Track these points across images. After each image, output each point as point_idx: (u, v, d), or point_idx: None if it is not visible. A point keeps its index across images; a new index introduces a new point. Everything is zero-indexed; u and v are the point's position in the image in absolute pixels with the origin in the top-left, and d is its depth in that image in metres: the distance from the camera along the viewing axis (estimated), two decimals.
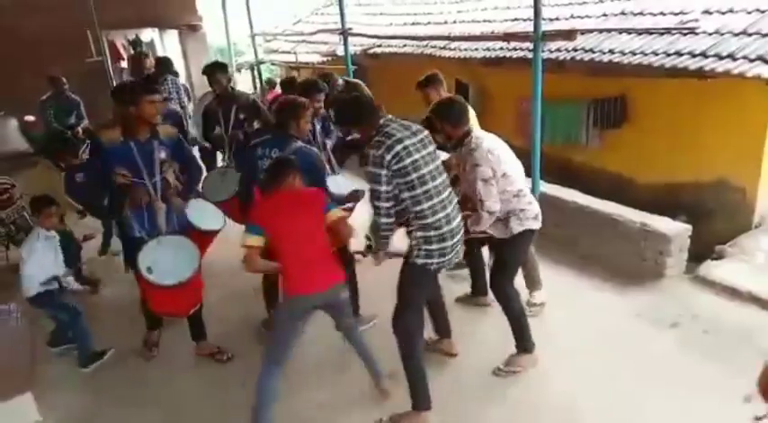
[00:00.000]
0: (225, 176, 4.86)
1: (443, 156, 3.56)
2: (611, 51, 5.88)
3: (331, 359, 3.85)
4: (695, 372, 3.44)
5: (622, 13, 6.62)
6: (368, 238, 3.31)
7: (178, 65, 9.62)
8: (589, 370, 3.58)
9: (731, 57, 4.91)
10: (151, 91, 3.57)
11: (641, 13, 6.39)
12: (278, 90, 8.62)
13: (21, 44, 9.30)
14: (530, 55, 5.25)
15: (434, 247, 2.98)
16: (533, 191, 4.94)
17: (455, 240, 3.06)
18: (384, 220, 2.98)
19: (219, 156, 5.96)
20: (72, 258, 4.51)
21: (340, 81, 5.67)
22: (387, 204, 2.94)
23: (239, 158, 4.78)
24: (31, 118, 8.78)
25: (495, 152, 3.38)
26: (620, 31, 6.17)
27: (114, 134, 3.56)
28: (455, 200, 3.16)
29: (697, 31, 5.49)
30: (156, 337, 4.17)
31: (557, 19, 7.22)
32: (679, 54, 5.28)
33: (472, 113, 3.91)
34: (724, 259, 4.74)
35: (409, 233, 3.13)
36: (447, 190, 3.08)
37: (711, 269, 4.55)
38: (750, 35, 5.06)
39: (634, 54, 5.64)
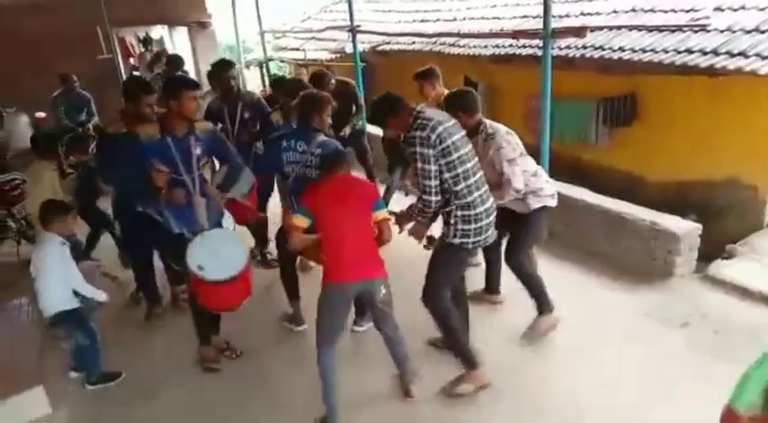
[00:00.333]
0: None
1: None
2: (622, 49, 5.85)
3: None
4: (705, 372, 3.42)
5: (633, 10, 6.58)
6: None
7: (187, 62, 9.65)
8: (596, 368, 3.57)
9: (743, 54, 4.87)
10: (193, 86, 3.54)
11: (652, 10, 6.36)
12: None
13: (32, 41, 9.37)
14: (539, 52, 5.23)
15: (471, 226, 3.13)
16: None
17: (489, 220, 3.22)
18: (433, 198, 3.08)
19: None
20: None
21: (333, 80, 5.69)
22: (435, 182, 3.05)
23: (254, 155, 4.82)
24: (42, 114, 8.86)
25: (512, 134, 3.62)
26: (631, 28, 6.14)
27: (152, 129, 3.52)
28: (485, 183, 3.29)
29: (708, 28, 5.45)
30: (212, 351, 3.95)
31: (566, 16, 7.20)
32: (690, 51, 5.24)
33: None
34: (734, 258, 4.71)
35: (446, 215, 3.19)
36: (479, 172, 3.22)
37: (722, 268, 4.52)
38: (762, 32, 5.02)
39: (644, 51, 5.61)
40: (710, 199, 5.78)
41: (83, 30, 9.20)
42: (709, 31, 5.40)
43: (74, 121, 7.95)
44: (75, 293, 3.67)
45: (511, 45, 7.11)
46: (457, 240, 3.16)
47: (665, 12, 6.17)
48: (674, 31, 5.69)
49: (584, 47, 6.19)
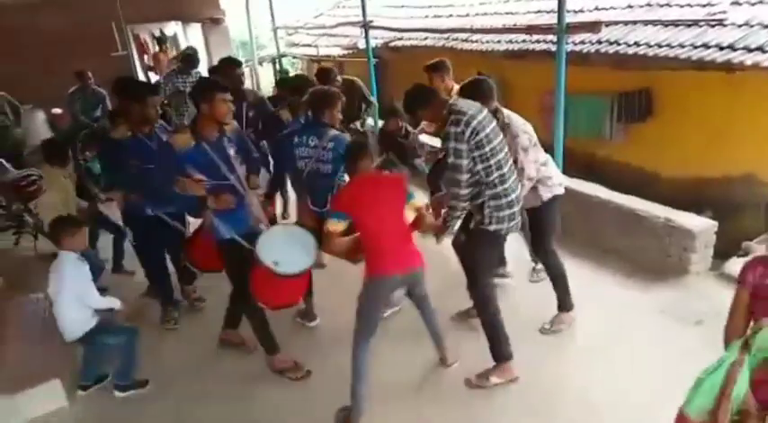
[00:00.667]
0: None
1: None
2: (637, 43, 5.80)
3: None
4: None
5: (648, 5, 6.52)
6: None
7: (201, 58, 9.69)
8: (609, 366, 3.55)
9: (761, 49, 4.81)
10: (225, 89, 3.44)
11: (668, 5, 6.29)
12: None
13: (48, 39, 9.45)
14: (553, 47, 5.20)
15: (505, 213, 3.23)
16: None
17: (519, 207, 3.35)
18: (464, 191, 3.16)
19: None
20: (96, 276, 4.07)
21: (339, 77, 5.69)
22: (466, 176, 3.13)
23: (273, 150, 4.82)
24: (58, 111, 8.95)
25: (526, 124, 3.72)
26: (646, 22, 6.08)
27: (185, 138, 3.37)
28: (514, 172, 3.38)
29: (725, 22, 5.38)
30: (287, 356, 3.81)
31: (581, 11, 7.14)
32: (706, 46, 5.18)
33: None
34: (751, 256, 4.65)
35: (479, 206, 3.25)
36: (509, 162, 3.29)
37: (738, 266, 4.45)
38: None
39: (660, 46, 5.55)
40: (727, 195, 5.71)
41: (98, 27, 9.26)
42: (726, 26, 5.33)
43: (89, 117, 8.04)
44: (95, 312, 3.57)
45: (524, 40, 7.08)
46: (492, 227, 3.25)
47: (681, 6, 6.10)
48: (690, 26, 5.62)
49: (599, 42, 6.14)
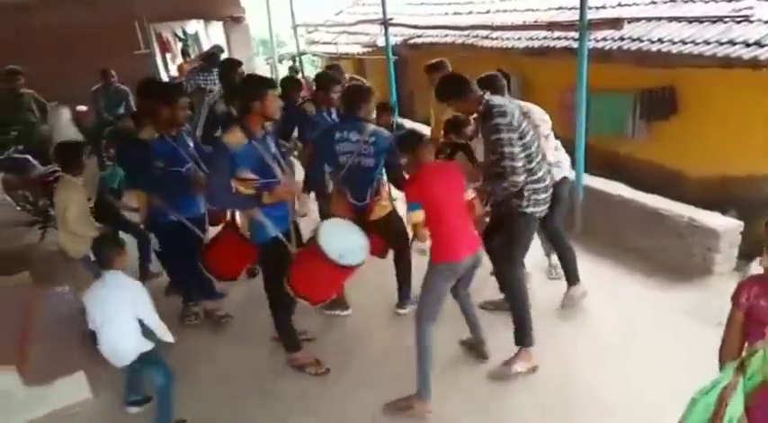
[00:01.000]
0: None
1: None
2: (660, 40, 5.71)
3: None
4: None
5: (672, 0, 6.42)
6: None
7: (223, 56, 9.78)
8: (627, 366, 3.53)
9: None
10: (275, 85, 3.44)
11: (692, 0, 6.18)
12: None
13: (73, 37, 9.62)
14: (575, 44, 5.16)
15: (541, 196, 3.47)
16: (576, 184, 4.88)
17: (550, 192, 3.58)
18: (521, 178, 3.31)
19: None
20: None
21: (347, 75, 5.73)
22: (521, 163, 3.29)
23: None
24: (83, 108, 9.11)
25: (544, 113, 3.95)
26: (670, 19, 5.99)
27: (238, 137, 3.27)
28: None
29: (752, 18, 5.28)
30: (308, 353, 3.85)
31: (603, 7, 7.06)
32: (732, 43, 5.08)
33: None
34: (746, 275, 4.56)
35: (519, 191, 3.39)
36: (541, 151, 3.56)
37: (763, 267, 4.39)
38: None
39: (684, 43, 5.46)
40: (752, 195, 5.61)
41: (121, 25, 9.40)
42: (752, 22, 5.22)
43: (113, 114, 8.17)
44: (144, 333, 3.25)
45: (545, 37, 7.01)
46: (530, 209, 3.44)
47: (706, 2, 6.00)
48: (715, 22, 5.52)
49: (622, 39, 6.06)
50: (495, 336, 3.73)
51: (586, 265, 4.69)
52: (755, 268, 4.14)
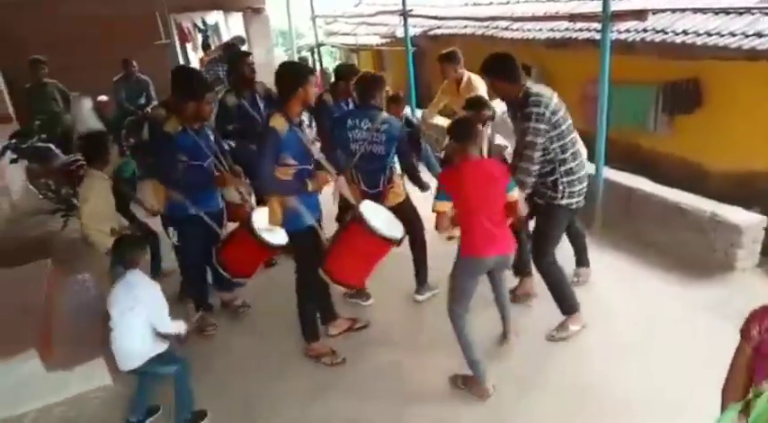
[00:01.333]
0: None
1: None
2: (685, 32, 5.59)
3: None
4: None
5: None
6: None
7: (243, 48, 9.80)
8: (648, 361, 3.49)
9: None
10: (313, 71, 3.52)
11: None
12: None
13: (95, 27, 9.71)
14: (597, 36, 5.08)
15: (576, 188, 3.52)
16: (597, 177, 4.82)
17: (586, 183, 3.62)
18: (534, 167, 3.39)
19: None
20: None
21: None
22: (539, 154, 3.37)
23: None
24: (104, 98, 9.21)
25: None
26: (695, 10, 5.86)
27: (281, 122, 3.28)
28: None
29: None
30: (326, 345, 3.89)
31: None
32: (759, 35, 4.96)
33: None
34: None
35: (553, 182, 3.49)
36: (578, 141, 3.60)
37: None
38: None
39: (709, 35, 5.34)
40: None
41: (142, 16, 9.46)
42: None
43: (134, 104, 8.27)
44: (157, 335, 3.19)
45: (567, 29, 6.91)
46: (564, 201, 3.51)
47: None
48: (742, 14, 5.39)
49: (645, 30, 5.94)
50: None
51: (606, 259, 4.65)
52: None
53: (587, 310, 3.86)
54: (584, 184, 3.58)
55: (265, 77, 5.22)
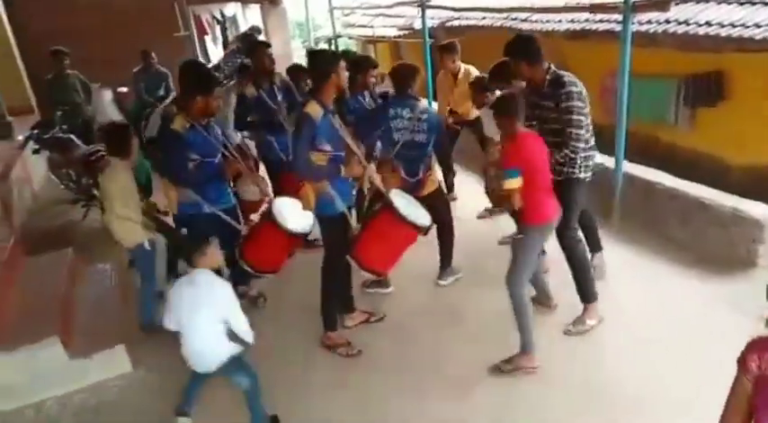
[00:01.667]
0: None
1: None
2: (708, 23, 5.48)
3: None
4: None
5: None
6: None
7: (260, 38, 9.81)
8: (666, 359, 3.45)
9: None
10: (341, 56, 3.53)
11: None
12: None
13: (114, 19, 9.80)
14: (618, 27, 5.00)
15: (591, 162, 3.70)
16: (616, 171, 4.77)
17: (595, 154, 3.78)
18: (582, 144, 3.51)
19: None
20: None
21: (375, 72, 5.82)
22: (584, 131, 3.50)
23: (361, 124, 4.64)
24: (124, 89, 9.30)
25: None
26: (719, 0, 5.74)
27: (316, 108, 3.30)
28: None
29: None
30: (342, 335, 3.90)
31: None
32: None
33: None
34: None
35: (573, 158, 3.56)
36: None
37: None
38: None
39: (734, 26, 5.23)
40: None
41: (161, 8, 9.51)
42: None
43: (153, 96, 8.33)
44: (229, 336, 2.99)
45: (587, 20, 6.82)
46: (582, 174, 3.67)
47: None
48: (767, 5, 5.28)
49: (667, 21, 5.84)
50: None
51: (624, 253, 4.62)
52: None
53: (604, 305, 3.84)
54: (595, 154, 3.77)
55: (283, 70, 5.23)
